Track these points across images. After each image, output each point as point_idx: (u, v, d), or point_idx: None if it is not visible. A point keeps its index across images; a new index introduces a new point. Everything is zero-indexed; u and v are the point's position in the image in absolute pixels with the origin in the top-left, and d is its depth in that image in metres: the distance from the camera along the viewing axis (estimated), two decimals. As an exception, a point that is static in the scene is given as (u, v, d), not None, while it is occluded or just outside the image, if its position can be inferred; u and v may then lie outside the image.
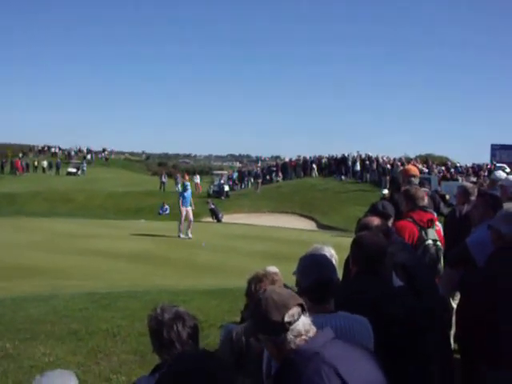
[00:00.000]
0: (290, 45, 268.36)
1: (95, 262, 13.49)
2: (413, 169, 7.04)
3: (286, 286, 4.53)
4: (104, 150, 74.30)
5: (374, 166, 38.74)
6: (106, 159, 70.14)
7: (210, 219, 28.66)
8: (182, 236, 18.46)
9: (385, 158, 38.95)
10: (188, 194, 19.16)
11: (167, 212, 34.28)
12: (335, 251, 4.12)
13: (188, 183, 20.39)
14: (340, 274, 3.67)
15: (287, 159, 47.27)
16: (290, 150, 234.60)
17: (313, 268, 2.92)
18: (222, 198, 38.19)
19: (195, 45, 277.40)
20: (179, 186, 44.32)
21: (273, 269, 4.78)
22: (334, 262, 3.30)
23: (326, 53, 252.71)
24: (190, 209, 19.00)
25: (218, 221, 29.00)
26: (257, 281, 3.48)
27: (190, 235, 18.50)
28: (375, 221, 4.25)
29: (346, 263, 4.13)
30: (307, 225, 29.49)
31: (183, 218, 18.71)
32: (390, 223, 4.83)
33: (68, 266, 12.87)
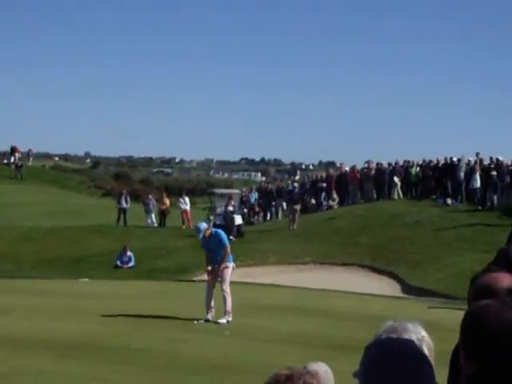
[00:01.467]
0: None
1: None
2: None
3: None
4: (13, 151, 73.38)
5: (508, 179, 38.52)
6: (18, 167, 69.70)
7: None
8: (209, 318, 17.39)
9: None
10: (219, 240, 17.71)
11: (131, 264, 34.47)
12: (430, 334, 4.08)
13: (202, 225, 18.22)
14: (442, 374, 3.65)
15: (347, 168, 47.00)
16: (352, 153, 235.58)
17: (385, 365, 2.89)
18: (231, 238, 38.17)
19: None
20: (153, 215, 44.54)
21: (317, 367, 4.77)
22: (425, 353, 3.27)
23: None
24: (231, 266, 18.09)
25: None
26: None
27: (224, 320, 17.31)
28: (506, 279, 4.23)
29: (454, 357, 4.12)
30: (384, 286, 29.49)
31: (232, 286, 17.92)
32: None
33: None
